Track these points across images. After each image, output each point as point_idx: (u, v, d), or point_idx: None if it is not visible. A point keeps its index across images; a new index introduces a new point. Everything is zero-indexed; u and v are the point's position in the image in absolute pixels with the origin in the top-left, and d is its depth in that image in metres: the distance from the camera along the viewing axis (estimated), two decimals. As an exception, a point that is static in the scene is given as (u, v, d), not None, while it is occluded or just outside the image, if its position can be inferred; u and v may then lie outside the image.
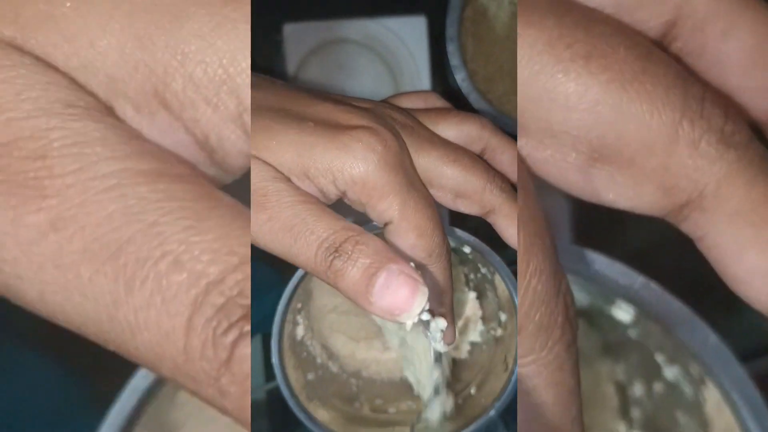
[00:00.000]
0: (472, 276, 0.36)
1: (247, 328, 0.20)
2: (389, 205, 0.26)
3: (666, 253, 0.42)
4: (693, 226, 0.23)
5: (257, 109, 0.26)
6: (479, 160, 0.30)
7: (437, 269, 0.28)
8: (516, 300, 0.32)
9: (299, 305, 0.35)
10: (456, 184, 0.29)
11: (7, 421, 0.35)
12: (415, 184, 0.27)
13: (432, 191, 0.29)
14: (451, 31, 0.42)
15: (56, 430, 0.35)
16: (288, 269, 0.33)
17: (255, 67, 0.28)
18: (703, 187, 0.22)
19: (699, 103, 0.22)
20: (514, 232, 0.29)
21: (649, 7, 0.23)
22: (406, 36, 0.46)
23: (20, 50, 0.21)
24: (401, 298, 0.24)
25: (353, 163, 0.26)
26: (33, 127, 0.20)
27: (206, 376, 0.20)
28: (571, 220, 0.41)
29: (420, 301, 0.25)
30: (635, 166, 0.22)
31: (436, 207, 0.28)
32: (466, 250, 0.34)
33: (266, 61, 0.46)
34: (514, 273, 0.33)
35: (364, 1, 0.46)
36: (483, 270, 0.35)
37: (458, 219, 0.44)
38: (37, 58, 0.21)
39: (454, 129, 0.30)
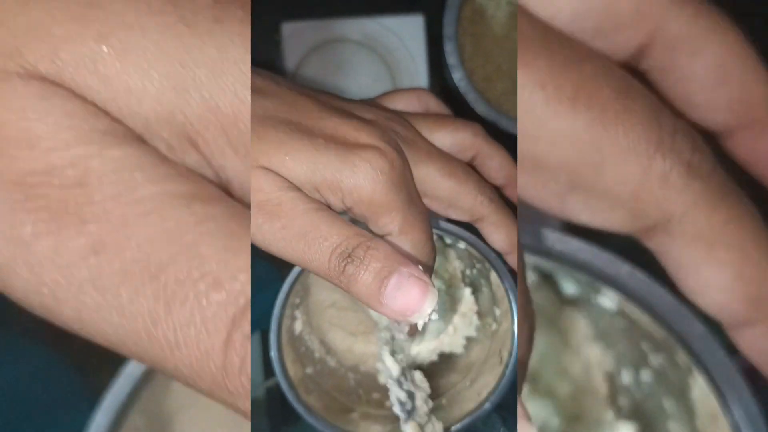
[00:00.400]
0: (467, 271, 0.37)
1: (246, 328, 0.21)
2: (390, 221, 0.27)
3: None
4: (656, 245, 0.25)
5: (268, 119, 0.27)
6: (472, 172, 0.31)
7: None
8: (510, 295, 0.33)
9: (297, 300, 0.35)
10: (450, 196, 0.30)
11: (3, 408, 0.35)
12: (414, 199, 0.29)
13: (426, 200, 0.30)
14: (449, 30, 0.43)
15: (51, 417, 0.35)
16: (286, 265, 0.33)
17: (253, 67, 0.28)
18: (669, 214, 0.24)
19: (671, 136, 0.24)
20: (499, 237, 0.32)
21: (626, 31, 0.25)
22: (404, 35, 0.46)
23: (57, 84, 0.21)
24: (412, 299, 0.26)
25: (362, 184, 0.27)
26: (72, 156, 0.21)
27: (244, 391, 0.21)
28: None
29: (431, 301, 0.26)
30: (609, 195, 0.24)
31: (429, 217, 0.29)
32: (461, 245, 0.34)
33: (265, 59, 0.46)
34: (509, 269, 0.33)
35: (363, 0, 0.46)
36: (478, 265, 0.35)
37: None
38: (74, 92, 0.21)
39: (449, 137, 0.32)
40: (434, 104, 0.35)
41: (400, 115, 0.31)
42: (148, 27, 0.21)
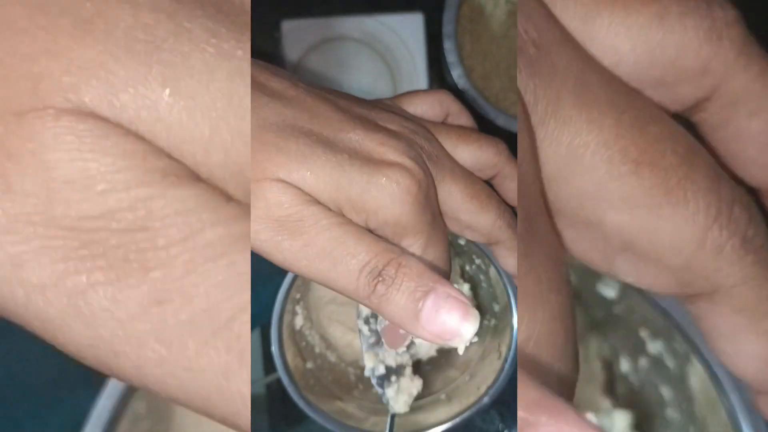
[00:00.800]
0: (467, 267, 0.37)
1: None
2: (415, 241, 0.26)
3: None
4: (697, 309, 0.25)
5: (288, 127, 0.25)
6: (493, 195, 0.30)
7: None
8: (509, 290, 0.33)
9: (298, 296, 0.36)
10: (469, 219, 0.29)
11: (6, 394, 0.35)
12: (437, 219, 0.28)
13: (445, 219, 0.29)
14: (448, 28, 0.43)
15: (54, 400, 0.35)
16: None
17: (271, 65, 0.28)
18: (718, 285, 0.24)
19: (729, 207, 0.23)
20: (513, 261, 0.31)
21: (689, 85, 0.24)
22: (404, 33, 0.46)
23: (114, 123, 0.20)
24: (452, 321, 0.24)
25: (389, 205, 0.26)
26: (132, 198, 0.19)
27: None
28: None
29: (473, 324, 0.24)
30: (660, 261, 0.24)
31: (448, 235, 0.29)
32: (461, 242, 0.34)
33: (265, 57, 0.46)
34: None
35: (362, -1, 0.46)
36: (477, 261, 0.36)
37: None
38: (128, 130, 0.20)
39: (473, 154, 0.30)
40: (456, 108, 0.33)
41: (424, 127, 0.30)
42: (216, 72, 0.20)
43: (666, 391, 0.31)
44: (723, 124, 0.25)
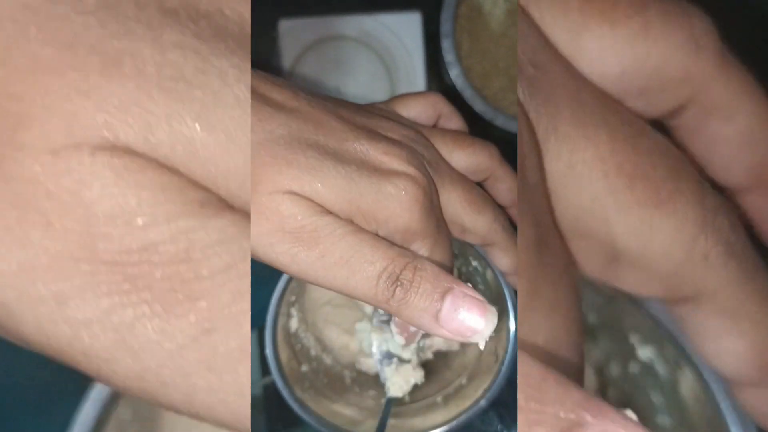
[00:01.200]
0: (463, 269, 0.37)
1: None
2: (422, 245, 0.27)
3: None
4: (682, 312, 0.26)
5: (294, 140, 0.26)
6: (489, 200, 0.31)
7: None
8: (506, 293, 0.33)
9: (293, 298, 0.36)
10: (467, 222, 0.30)
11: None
12: (441, 223, 0.28)
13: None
14: (446, 27, 0.43)
15: (43, 406, 0.35)
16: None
17: (273, 76, 0.28)
18: (703, 289, 0.25)
19: (713, 215, 0.25)
20: (505, 261, 0.32)
21: (670, 92, 0.25)
22: (402, 32, 0.46)
23: (147, 157, 0.20)
24: (471, 319, 0.26)
25: (398, 213, 0.26)
26: (172, 230, 0.19)
27: None
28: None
29: (491, 320, 0.26)
30: (651, 269, 0.25)
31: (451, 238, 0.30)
32: (458, 243, 0.34)
33: (262, 57, 0.46)
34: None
35: (360, -2, 0.46)
36: (474, 263, 0.35)
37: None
38: (164, 164, 0.20)
39: (467, 159, 0.31)
40: (447, 110, 0.34)
41: (422, 133, 0.31)
42: (245, 106, 0.20)
43: (656, 397, 0.31)
44: (699, 128, 0.26)
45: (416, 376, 0.35)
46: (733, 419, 0.27)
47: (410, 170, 0.27)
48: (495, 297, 0.35)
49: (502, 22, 0.44)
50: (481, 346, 0.27)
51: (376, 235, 0.26)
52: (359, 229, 0.26)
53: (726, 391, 0.27)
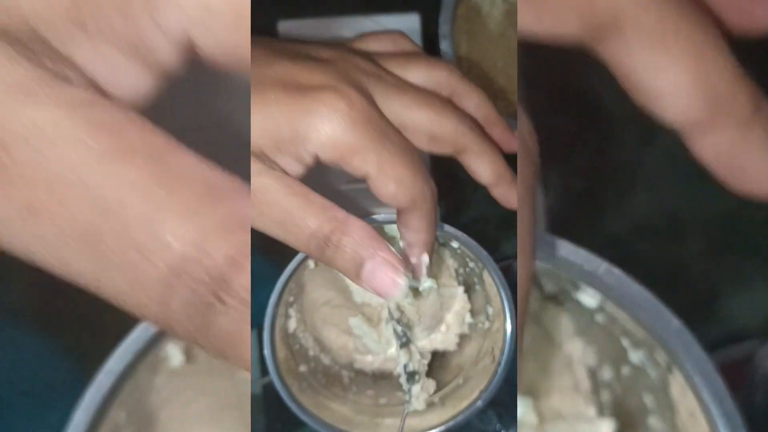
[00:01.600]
0: (461, 270, 0.37)
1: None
2: (364, 160, 0.27)
3: (640, 242, 0.43)
4: (610, 51, 0.23)
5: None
6: (448, 103, 0.30)
7: (421, 214, 0.29)
8: (503, 293, 0.33)
9: (291, 298, 0.36)
10: (429, 127, 0.29)
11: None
12: (388, 134, 0.28)
13: (406, 135, 0.29)
14: (444, 28, 0.43)
15: (45, 401, 0.35)
16: (284, 263, 0.33)
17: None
18: (620, 11, 0.22)
19: None
20: (483, 168, 0.31)
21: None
22: (400, 33, 0.46)
23: None
24: (386, 284, 0.28)
25: (319, 126, 0.26)
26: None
27: None
28: (546, 210, 0.41)
29: (401, 287, 0.28)
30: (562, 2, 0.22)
31: (415, 153, 0.29)
32: (455, 245, 0.34)
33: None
34: (502, 269, 0.33)
35: (359, -1, 0.46)
36: (471, 264, 0.36)
37: (449, 216, 0.44)
38: None
39: (423, 74, 0.31)
40: (410, 47, 0.33)
41: (365, 53, 0.30)
42: None
43: (648, 400, 0.31)
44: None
45: (431, 385, 0.36)
46: (723, 424, 0.27)
47: (333, 83, 0.26)
48: (492, 298, 0.35)
49: (501, 22, 0.44)
50: (391, 306, 0.31)
51: (310, 192, 0.27)
52: (294, 191, 0.27)
53: (716, 396, 0.27)
